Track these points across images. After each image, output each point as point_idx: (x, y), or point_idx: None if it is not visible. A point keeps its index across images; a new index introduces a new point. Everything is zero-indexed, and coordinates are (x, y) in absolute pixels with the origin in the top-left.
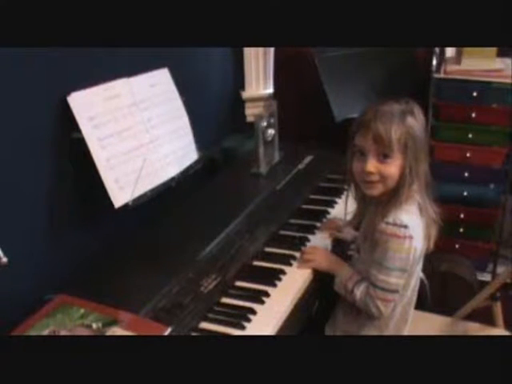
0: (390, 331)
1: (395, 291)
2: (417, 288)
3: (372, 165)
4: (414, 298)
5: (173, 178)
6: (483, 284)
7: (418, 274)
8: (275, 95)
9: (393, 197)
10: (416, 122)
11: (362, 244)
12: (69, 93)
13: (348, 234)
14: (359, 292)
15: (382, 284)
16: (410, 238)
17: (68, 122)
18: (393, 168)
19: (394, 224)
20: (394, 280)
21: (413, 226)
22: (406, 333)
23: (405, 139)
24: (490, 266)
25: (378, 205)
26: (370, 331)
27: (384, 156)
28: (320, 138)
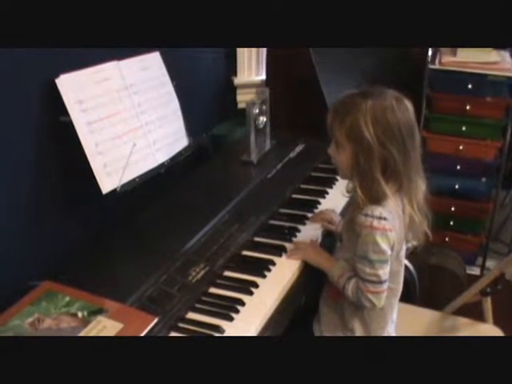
0: (374, 322)
1: (384, 281)
2: (401, 280)
3: (330, 149)
4: (399, 288)
5: (162, 165)
6: (472, 278)
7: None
8: (267, 83)
9: (368, 190)
10: (382, 116)
11: (345, 233)
12: (57, 75)
13: (339, 226)
14: (350, 288)
15: (370, 277)
16: (390, 230)
17: (56, 104)
18: (342, 157)
19: (373, 216)
20: (381, 271)
21: (391, 218)
22: (391, 324)
23: (355, 131)
24: (479, 260)
25: (357, 196)
26: (354, 322)
27: (335, 143)
28: (312, 127)
